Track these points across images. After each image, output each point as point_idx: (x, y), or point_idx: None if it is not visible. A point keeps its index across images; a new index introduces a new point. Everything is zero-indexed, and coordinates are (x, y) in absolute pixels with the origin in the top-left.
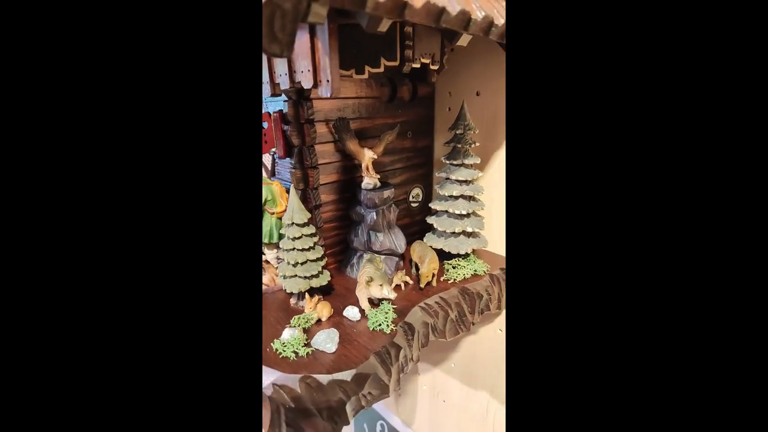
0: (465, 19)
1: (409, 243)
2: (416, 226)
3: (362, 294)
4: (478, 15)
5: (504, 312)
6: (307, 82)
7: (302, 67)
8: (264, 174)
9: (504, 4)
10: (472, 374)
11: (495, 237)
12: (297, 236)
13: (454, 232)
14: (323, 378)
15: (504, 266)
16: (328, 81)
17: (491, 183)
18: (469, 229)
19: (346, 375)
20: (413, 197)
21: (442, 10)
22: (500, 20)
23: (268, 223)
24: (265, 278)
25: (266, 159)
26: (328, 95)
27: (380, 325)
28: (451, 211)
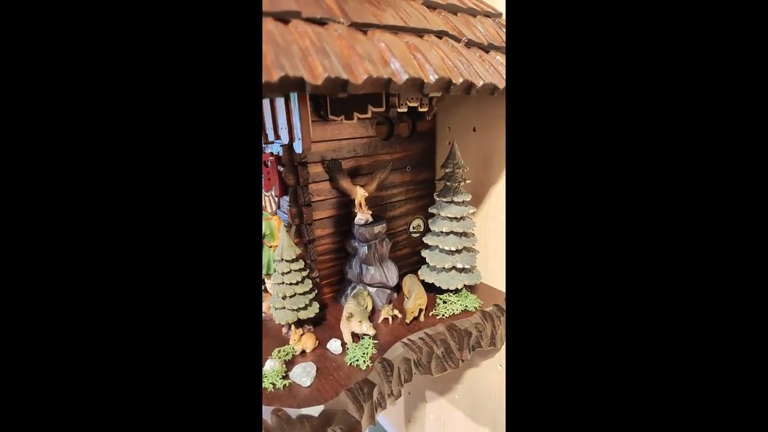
0: (416, 84)
1: (410, 272)
2: (416, 256)
3: (345, 328)
4: (431, 78)
5: (503, 348)
6: (285, 138)
7: (281, 124)
8: (268, 209)
9: (477, 53)
10: (475, 407)
11: (493, 271)
12: (286, 271)
13: (444, 268)
14: (293, 412)
15: (498, 303)
16: (299, 139)
17: (488, 215)
18: (460, 265)
19: (314, 410)
20: (414, 228)
21: (389, 81)
22: (459, 78)
23: (266, 255)
24: (264, 305)
25: (273, 194)
26: (300, 151)
27: (357, 360)
28: (442, 246)
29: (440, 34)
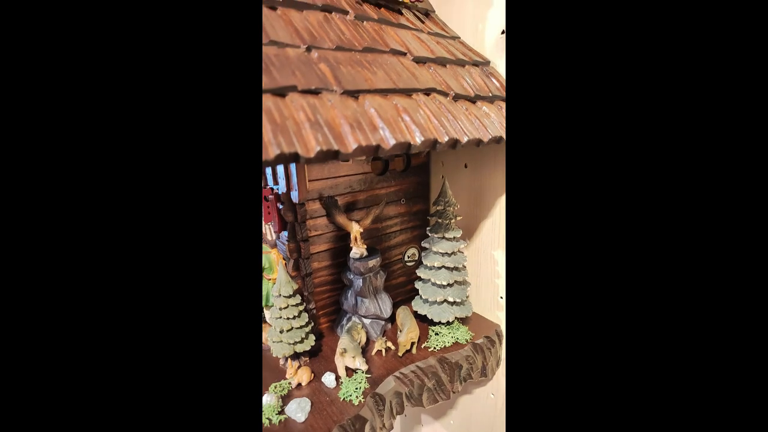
0: (404, 146)
1: (404, 301)
2: (411, 284)
3: (339, 362)
4: (417, 140)
5: (494, 377)
6: (282, 187)
7: (280, 173)
8: (268, 236)
9: (464, 105)
10: None
11: (485, 301)
12: (284, 306)
13: (436, 301)
14: None
15: (489, 335)
16: (296, 190)
17: (480, 248)
18: (451, 299)
19: None
20: (409, 257)
21: (377, 147)
22: (444, 137)
23: (265, 287)
24: (262, 336)
25: (272, 226)
26: (297, 201)
27: (350, 395)
28: (434, 280)
29: (428, 92)
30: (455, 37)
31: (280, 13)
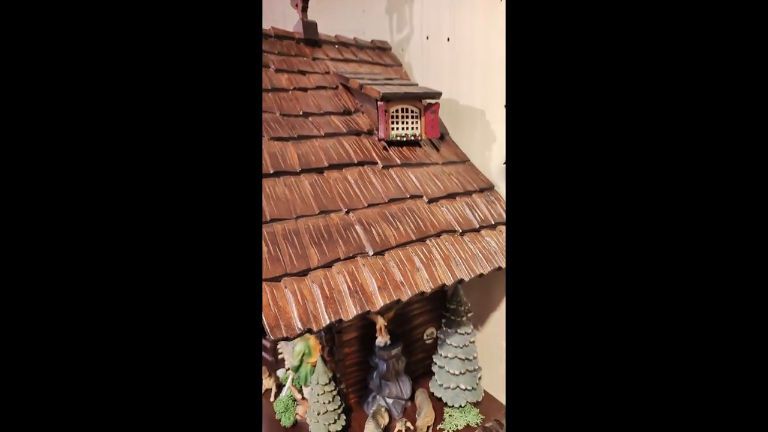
0: (418, 295)
1: (423, 374)
2: (429, 360)
3: None
4: (428, 289)
5: None
6: None
7: None
8: None
9: (468, 240)
10: None
11: (496, 382)
12: (321, 393)
13: (450, 387)
14: None
15: (498, 418)
16: None
17: (489, 336)
18: (463, 386)
19: None
20: (427, 335)
21: (398, 300)
22: (451, 280)
23: (304, 369)
24: (301, 410)
25: None
26: None
27: None
28: (447, 368)
29: (440, 234)
30: (465, 161)
31: (326, 175)
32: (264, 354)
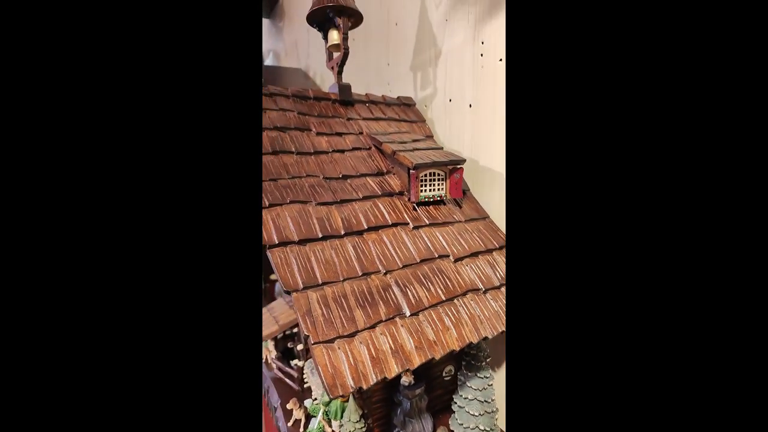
0: (448, 354)
1: (441, 410)
2: (448, 395)
3: None
4: (457, 347)
5: None
6: None
7: None
8: None
9: (490, 297)
10: None
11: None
12: (352, 429)
13: (470, 427)
14: None
15: None
16: None
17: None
18: (482, 427)
19: None
20: (446, 372)
21: (432, 359)
22: (476, 338)
23: (335, 404)
24: None
25: None
26: None
27: None
28: (467, 409)
29: (465, 293)
30: (485, 217)
31: (365, 237)
32: (291, 383)
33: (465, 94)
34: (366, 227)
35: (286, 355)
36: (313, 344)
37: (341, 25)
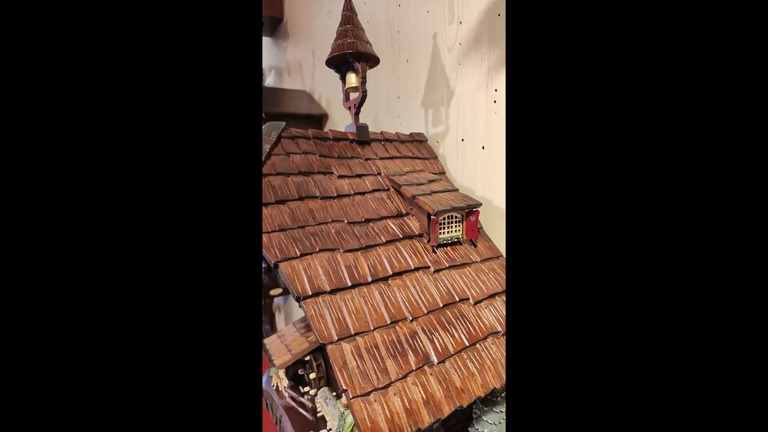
0: (473, 401)
1: None
2: (461, 425)
3: None
4: (482, 393)
5: None
6: None
7: None
8: None
9: None
10: None
11: None
12: None
13: None
14: None
15: None
16: None
17: None
18: None
19: None
20: None
21: (460, 406)
22: (499, 384)
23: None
24: None
25: None
26: None
27: None
28: None
29: (486, 337)
30: (499, 256)
31: (390, 283)
32: (304, 413)
33: (478, 136)
34: (390, 273)
35: (296, 381)
36: (351, 398)
37: (360, 70)
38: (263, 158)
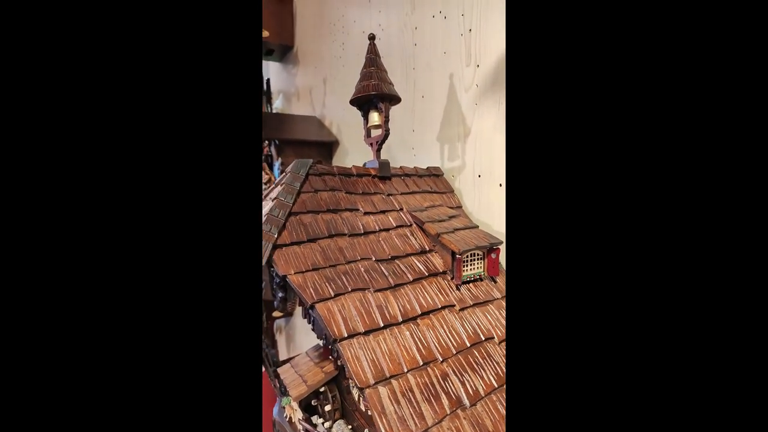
0: None
1: None
2: None
3: None
4: None
5: None
6: None
7: None
8: None
9: None
10: None
11: None
12: None
13: None
14: None
15: None
16: None
17: None
18: None
19: None
20: None
21: None
22: None
23: None
24: None
25: None
26: None
27: None
28: None
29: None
30: None
31: (419, 322)
32: None
33: (495, 174)
34: (419, 312)
35: (308, 411)
36: None
37: (383, 110)
38: (293, 197)
